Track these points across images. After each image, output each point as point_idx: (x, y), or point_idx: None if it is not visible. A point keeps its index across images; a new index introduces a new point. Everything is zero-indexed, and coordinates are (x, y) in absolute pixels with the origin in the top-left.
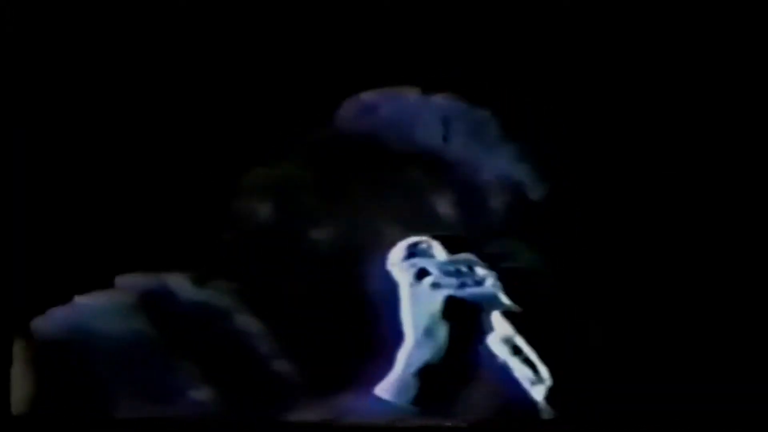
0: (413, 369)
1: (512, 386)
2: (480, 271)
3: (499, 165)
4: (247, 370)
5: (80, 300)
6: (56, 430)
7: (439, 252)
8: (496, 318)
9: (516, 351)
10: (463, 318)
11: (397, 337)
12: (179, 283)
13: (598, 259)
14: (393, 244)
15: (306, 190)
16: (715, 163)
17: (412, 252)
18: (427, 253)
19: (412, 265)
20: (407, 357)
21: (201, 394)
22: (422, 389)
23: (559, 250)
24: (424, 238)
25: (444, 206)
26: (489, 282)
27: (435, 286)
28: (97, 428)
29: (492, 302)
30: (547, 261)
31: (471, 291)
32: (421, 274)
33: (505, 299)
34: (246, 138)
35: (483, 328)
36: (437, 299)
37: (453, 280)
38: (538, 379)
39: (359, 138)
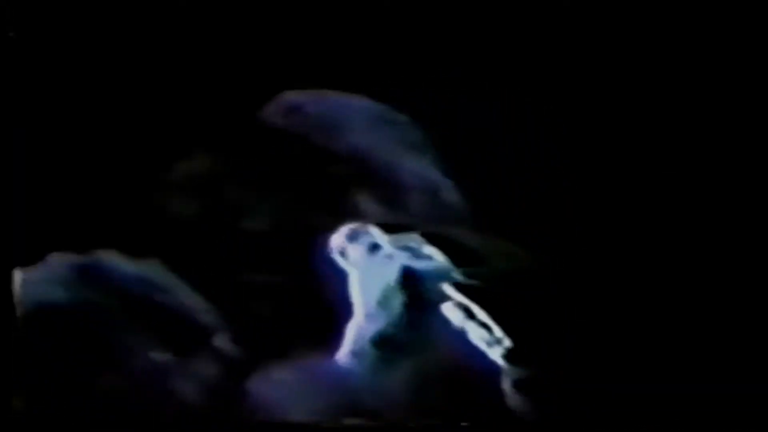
0: (369, 338)
1: (469, 349)
2: (427, 247)
3: (416, 166)
4: (188, 341)
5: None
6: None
7: (379, 236)
8: (449, 288)
9: (471, 315)
10: (418, 287)
11: (341, 310)
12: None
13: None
14: (323, 230)
15: (234, 182)
16: (674, 151)
17: (356, 235)
18: (369, 236)
19: (364, 241)
20: (360, 328)
21: (147, 358)
22: (380, 357)
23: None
24: (363, 224)
25: (366, 200)
26: (438, 257)
27: (389, 257)
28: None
29: (445, 274)
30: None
31: (425, 263)
32: (374, 247)
33: (457, 272)
34: (181, 127)
35: (437, 298)
36: (392, 270)
37: (406, 254)
38: (495, 340)
39: (285, 135)
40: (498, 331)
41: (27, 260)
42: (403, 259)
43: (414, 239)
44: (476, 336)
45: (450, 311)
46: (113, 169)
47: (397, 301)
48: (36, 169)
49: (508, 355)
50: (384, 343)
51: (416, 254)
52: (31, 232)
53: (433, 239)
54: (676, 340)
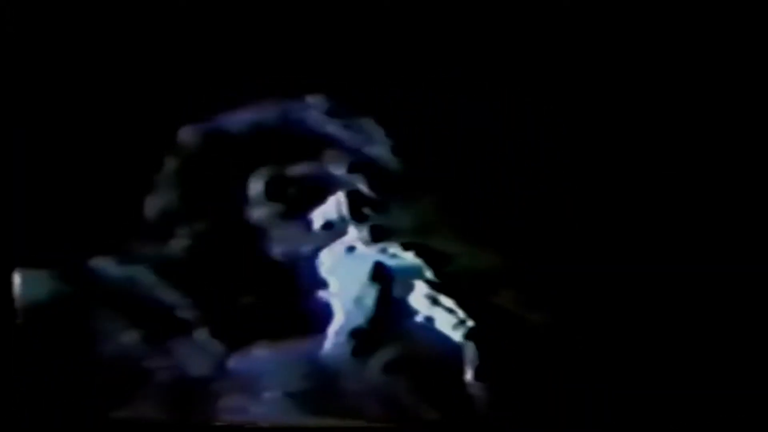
0: (347, 333)
1: (435, 335)
2: (400, 248)
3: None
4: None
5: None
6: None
7: (355, 239)
8: (419, 284)
9: (436, 302)
10: (389, 283)
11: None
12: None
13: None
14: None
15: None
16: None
17: (333, 238)
18: (345, 239)
19: (342, 243)
20: (340, 325)
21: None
22: (358, 345)
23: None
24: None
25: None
26: (410, 255)
27: (363, 258)
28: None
29: (415, 271)
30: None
31: (396, 260)
32: (350, 250)
33: (427, 270)
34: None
35: (407, 292)
36: (366, 266)
37: (379, 254)
38: (459, 322)
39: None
40: (461, 314)
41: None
42: (376, 257)
43: (388, 243)
44: (442, 320)
45: (418, 301)
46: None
47: (371, 297)
48: (34, 181)
49: (471, 335)
50: (360, 337)
51: (389, 254)
52: (30, 238)
53: (407, 244)
54: (637, 332)
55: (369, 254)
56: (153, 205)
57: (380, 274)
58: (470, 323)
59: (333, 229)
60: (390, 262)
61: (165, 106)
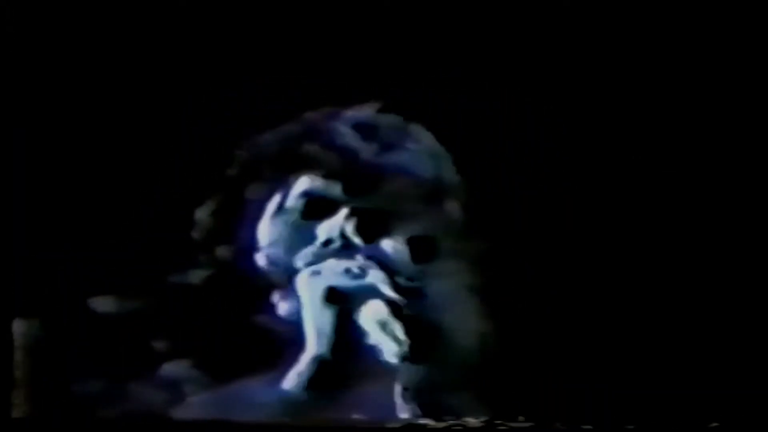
0: (308, 358)
1: (377, 358)
2: (363, 265)
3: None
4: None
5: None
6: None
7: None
8: (374, 304)
9: (384, 328)
10: (345, 306)
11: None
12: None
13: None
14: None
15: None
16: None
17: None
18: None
19: (308, 270)
20: (306, 352)
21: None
22: (314, 376)
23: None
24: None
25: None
26: (370, 273)
27: (316, 273)
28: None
29: (371, 291)
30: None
31: (352, 282)
32: (314, 274)
33: (386, 289)
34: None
35: (360, 314)
36: (320, 287)
37: (339, 276)
38: (399, 346)
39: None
40: (404, 339)
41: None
42: (332, 280)
43: (354, 262)
44: (386, 347)
45: (368, 324)
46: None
47: (326, 319)
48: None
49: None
50: (318, 363)
51: (351, 275)
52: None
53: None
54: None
55: (329, 276)
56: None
57: (334, 297)
58: (405, 348)
59: (332, 246)
60: (350, 283)
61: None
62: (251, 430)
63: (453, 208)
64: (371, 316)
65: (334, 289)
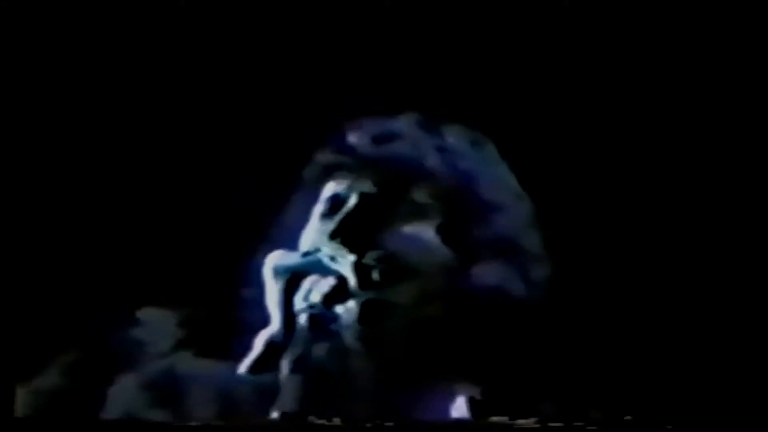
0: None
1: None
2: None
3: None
4: None
5: None
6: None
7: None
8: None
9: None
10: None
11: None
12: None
13: None
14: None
15: None
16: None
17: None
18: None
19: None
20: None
21: None
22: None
23: None
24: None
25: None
26: (324, 252)
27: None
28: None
29: (319, 267)
30: None
31: (301, 260)
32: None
33: (332, 264)
34: None
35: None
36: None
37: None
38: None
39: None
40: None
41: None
42: (285, 260)
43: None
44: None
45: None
46: None
47: (276, 297)
48: None
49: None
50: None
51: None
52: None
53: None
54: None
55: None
56: None
57: (278, 272)
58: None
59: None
60: (300, 260)
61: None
62: (251, 430)
63: None
64: (318, 288)
65: (282, 266)
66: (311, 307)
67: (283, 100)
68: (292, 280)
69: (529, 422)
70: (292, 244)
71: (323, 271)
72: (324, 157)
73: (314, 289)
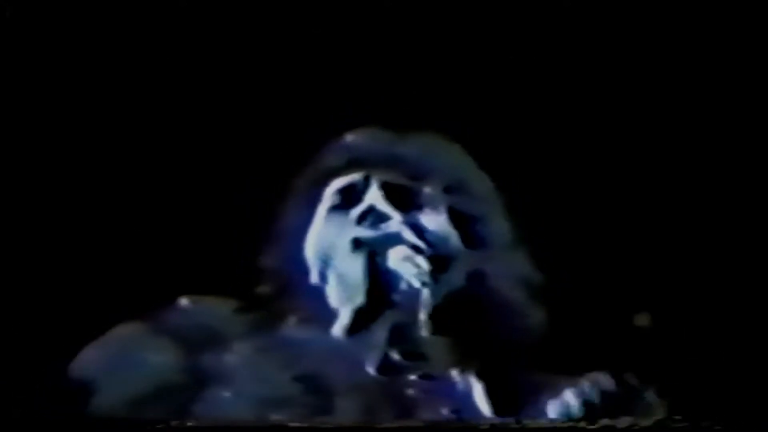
0: (346, 309)
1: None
2: (386, 212)
3: None
4: None
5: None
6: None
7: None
8: (399, 249)
9: (414, 264)
10: (372, 253)
11: None
12: None
13: None
14: None
15: None
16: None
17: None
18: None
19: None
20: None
21: None
22: (353, 321)
23: None
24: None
25: None
26: (394, 221)
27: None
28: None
29: (394, 240)
30: None
31: (374, 231)
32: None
33: (409, 236)
34: None
35: (387, 261)
36: (345, 240)
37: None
38: (420, 272)
39: None
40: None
41: None
42: (354, 233)
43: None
44: (410, 273)
45: (398, 264)
46: None
47: (358, 269)
48: None
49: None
50: (359, 311)
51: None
52: None
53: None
54: None
55: (346, 227)
56: None
57: (359, 245)
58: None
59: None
60: (373, 232)
61: None
62: (252, 431)
63: None
64: (399, 258)
65: (358, 240)
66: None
67: (291, 97)
68: (372, 252)
69: (533, 422)
70: (296, 241)
71: (402, 241)
72: (327, 155)
73: (403, 261)
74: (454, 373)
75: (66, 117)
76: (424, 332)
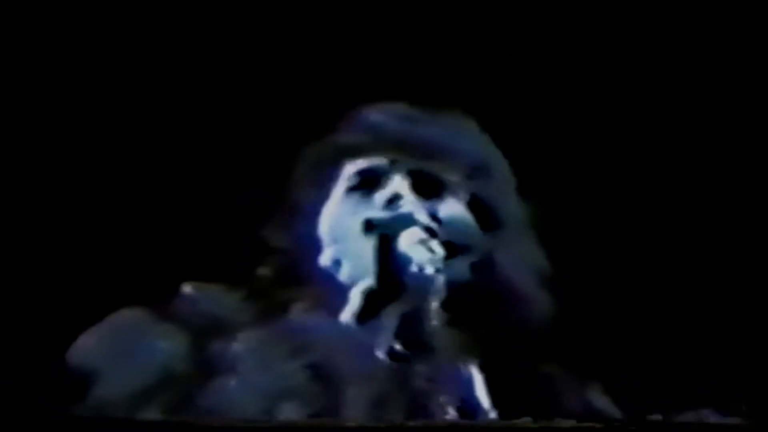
0: (357, 292)
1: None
2: (411, 200)
3: None
4: None
5: None
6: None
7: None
8: (412, 232)
9: (428, 248)
10: (383, 235)
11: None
12: None
13: None
14: None
15: None
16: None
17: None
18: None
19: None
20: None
21: None
22: (363, 307)
23: None
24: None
25: None
26: (406, 202)
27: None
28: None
29: (407, 221)
30: None
31: (387, 212)
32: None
33: (422, 217)
34: None
35: (399, 244)
36: (357, 221)
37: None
38: (434, 257)
39: None
40: (440, 250)
41: None
42: (367, 213)
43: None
44: (423, 258)
45: (411, 249)
46: None
47: (369, 251)
48: None
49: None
50: (367, 294)
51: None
52: None
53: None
54: None
55: (359, 210)
56: None
57: (371, 227)
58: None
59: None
60: (386, 213)
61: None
62: (255, 431)
63: None
64: (411, 240)
65: (370, 222)
66: (430, 263)
67: (303, 82)
68: (384, 235)
69: (529, 422)
70: (310, 222)
71: (413, 224)
72: (340, 136)
73: (413, 245)
74: (463, 365)
75: (68, 104)
76: (434, 322)
